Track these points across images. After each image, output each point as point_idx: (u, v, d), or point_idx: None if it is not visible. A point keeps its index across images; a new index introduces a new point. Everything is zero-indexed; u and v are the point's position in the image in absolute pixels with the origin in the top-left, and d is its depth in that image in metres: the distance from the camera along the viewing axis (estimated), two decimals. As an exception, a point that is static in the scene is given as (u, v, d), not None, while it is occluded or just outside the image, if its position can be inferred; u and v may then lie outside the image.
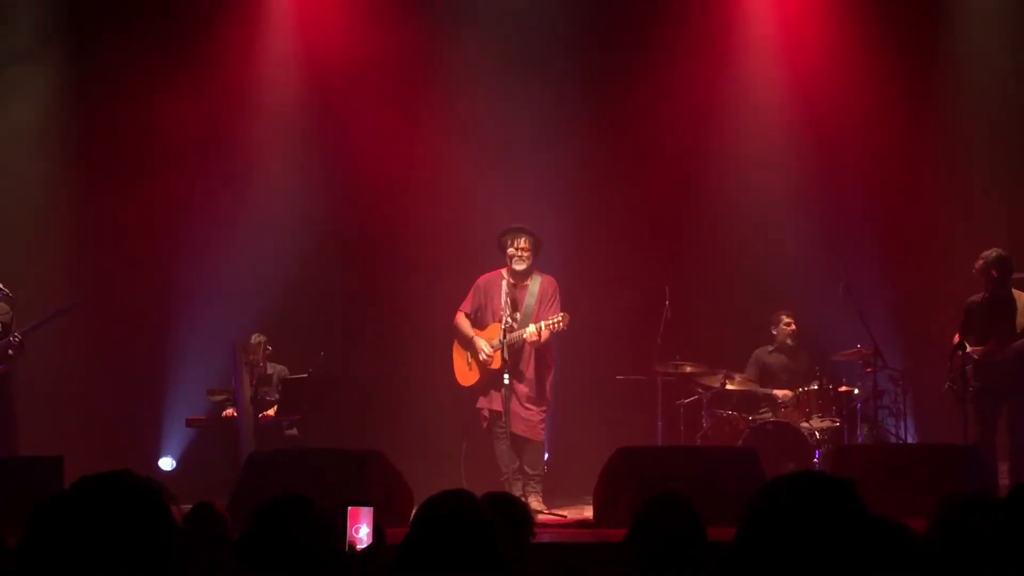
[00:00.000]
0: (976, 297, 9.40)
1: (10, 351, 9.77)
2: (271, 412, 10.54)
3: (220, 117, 11.62)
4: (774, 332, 10.90)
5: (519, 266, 9.73)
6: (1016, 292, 9.36)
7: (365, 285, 11.77)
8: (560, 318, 9.52)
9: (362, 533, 5.29)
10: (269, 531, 3.17)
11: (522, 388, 9.69)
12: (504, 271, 9.86)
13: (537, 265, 9.89)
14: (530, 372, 9.71)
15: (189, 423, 10.76)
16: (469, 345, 9.88)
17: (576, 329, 10.09)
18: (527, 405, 9.68)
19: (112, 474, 2.15)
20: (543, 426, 9.78)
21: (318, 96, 11.83)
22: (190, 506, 4.92)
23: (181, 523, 2.87)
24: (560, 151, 11.43)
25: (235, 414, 10.42)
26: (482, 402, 9.82)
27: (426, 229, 11.57)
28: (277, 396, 10.66)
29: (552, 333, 9.63)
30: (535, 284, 9.82)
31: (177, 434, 11.35)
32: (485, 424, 9.83)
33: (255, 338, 10.65)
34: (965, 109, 11.40)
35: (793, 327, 10.84)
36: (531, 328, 9.51)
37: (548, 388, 9.85)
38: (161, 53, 11.44)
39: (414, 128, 11.64)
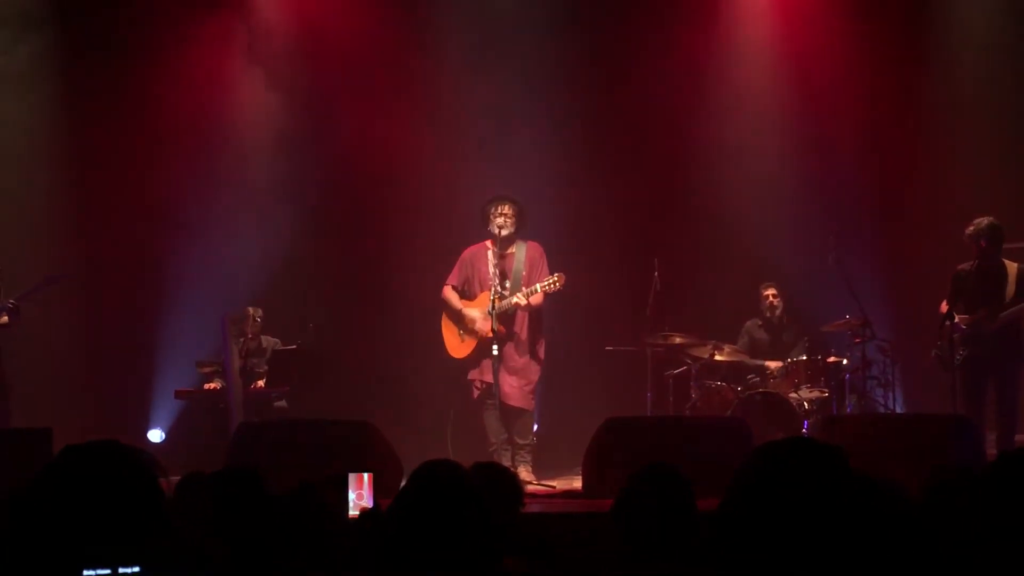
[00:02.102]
0: (965, 265, 9.38)
1: (3, 318, 9.77)
2: (261, 383, 10.56)
3: (211, 94, 11.62)
4: (761, 305, 10.92)
5: (504, 232, 9.67)
6: (1007, 262, 9.35)
7: (354, 258, 11.77)
8: (556, 278, 9.45)
9: (359, 501, 5.30)
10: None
11: (515, 357, 9.65)
12: (489, 242, 9.82)
13: (524, 236, 9.86)
14: (523, 340, 9.67)
15: (178, 395, 10.76)
16: (459, 317, 9.85)
17: (565, 300, 10.09)
18: (519, 374, 9.67)
19: (99, 443, 2.14)
20: (534, 395, 9.78)
21: (307, 73, 11.78)
22: (179, 477, 4.92)
23: (170, 494, 2.87)
24: (548, 124, 11.40)
25: (217, 387, 10.44)
26: (473, 374, 9.79)
27: (415, 203, 11.55)
28: (267, 368, 10.67)
29: (547, 296, 9.62)
30: (521, 251, 9.77)
31: (166, 406, 11.35)
32: (476, 395, 9.81)
33: (250, 310, 10.66)
34: (957, 80, 11.38)
35: (772, 300, 10.84)
36: (519, 296, 9.48)
37: (541, 356, 9.82)
38: (153, 29, 11.44)
39: (403, 105, 11.61)
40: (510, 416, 9.67)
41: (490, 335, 9.41)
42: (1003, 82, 11.27)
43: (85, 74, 11.58)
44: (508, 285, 9.59)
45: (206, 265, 11.34)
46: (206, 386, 10.59)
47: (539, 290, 9.46)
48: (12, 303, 9.83)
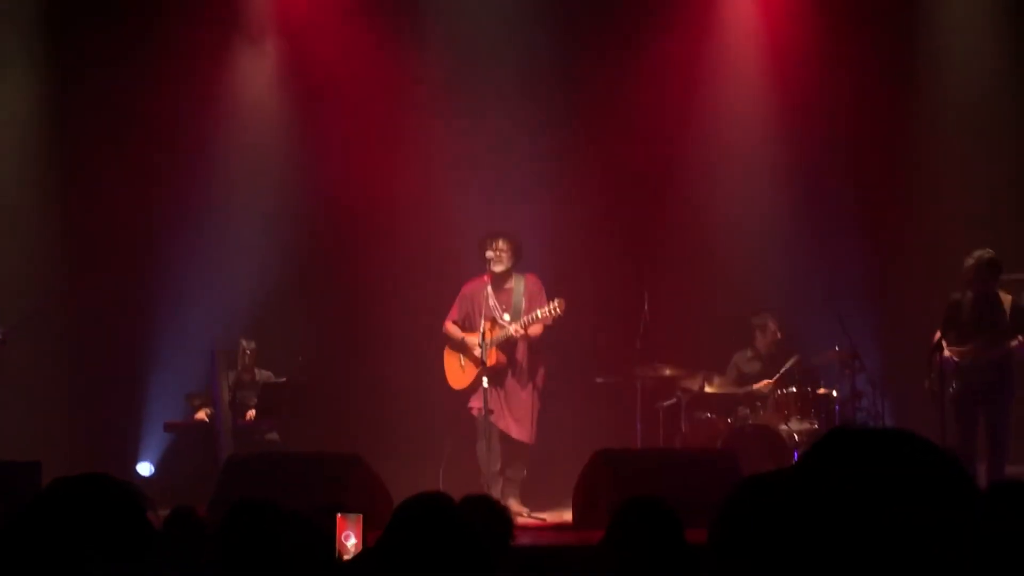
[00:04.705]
0: (959, 295, 9.38)
1: None
2: (251, 415, 10.52)
3: (203, 125, 11.62)
4: (758, 335, 10.84)
5: (498, 267, 9.69)
6: (1001, 293, 9.34)
7: (345, 290, 11.75)
8: (556, 304, 9.47)
9: (350, 543, 5.26)
10: (240, 536, 3.17)
11: (517, 388, 9.65)
12: (487, 277, 9.84)
13: (521, 269, 9.89)
14: (524, 371, 9.68)
15: (168, 428, 10.72)
16: (461, 346, 9.86)
17: (555, 332, 10.10)
18: (523, 407, 9.67)
19: (87, 477, 2.14)
20: (535, 428, 9.77)
21: (301, 104, 11.84)
22: (168, 511, 4.90)
23: (159, 528, 2.86)
24: (537, 154, 11.43)
25: (206, 417, 10.41)
26: (474, 401, 9.79)
27: (406, 235, 11.55)
28: (257, 401, 10.63)
29: (547, 328, 9.64)
30: (519, 284, 9.81)
31: (155, 439, 11.30)
32: (476, 423, 9.80)
33: (243, 343, 10.64)
34: (950, 107, 11.40)
35: (778, 335, 10.77)
36: (514, 326, 9.50)
37: (541, 389, 9.84)
38: (144, 60, 11.41)
39: (396, 137, 11.63)
40: (509, 448, 9.64)
41: (491, 363, 9.41)
42: (1000, 110, 11.30)
43: (74, 100, 11.56)
44: (507, 318, 9.63)
45: (197, 297, 11.31)
46: (195, 416, 10.57)
47: (539, 317, 9.48)
48: (-1, 335, 9.83)
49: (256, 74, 11.82)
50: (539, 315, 9.50)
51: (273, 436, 10.54)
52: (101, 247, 11.49)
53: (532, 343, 9.70)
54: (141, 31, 11.47)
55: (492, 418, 9.48)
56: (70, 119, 11.58)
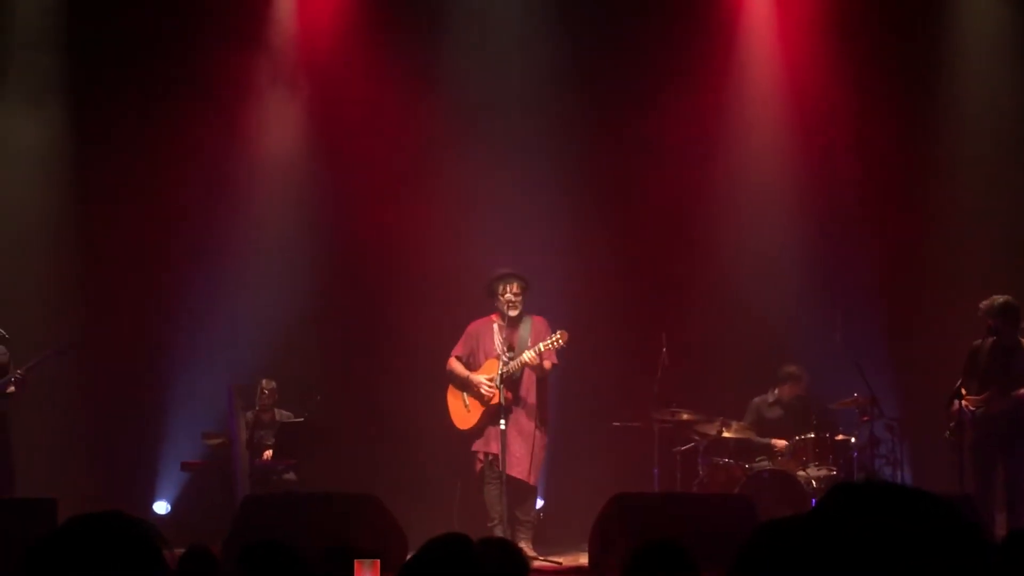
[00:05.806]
0: (981, 341, 9.32)
1: (11, 388, 9.82)
2: (268, 455, 10.51)
3: (227, 164, 11.68)
4: (788, 385, 10.71)
5: (512, 312, 9.70)
6: (1023, 340, 9.26)
7: (363, 331, 11.77)
8: (559, 335, 9.46)
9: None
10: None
11: (523, 421, 9.64)
12: (495, 316, 9.85)
13: (530, 309, 9.89)
14: (531, 406, 9.67)
15: (184, 467, 10.72)
16: (466, 384, 9.83)
17: (572, 375, 10.08)
18: (527, 444, 9.64)
19: (101, 514, 2.14)
20: (540, 471, 9.75)
21: (324, 146, 11.89)
22: (184, 549, 4.89)
23: (174, 566, 2.86)
24: (555, 197, 11.45)
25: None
26: (478, 445, 9.76)
27: (426, 276, 11.56)
28: (274, 440, 10.63)
29: (552, 366, 9.62)
30: (527, 325, 9.81)
31: (172, 478, 11.31)
32: (479, 467, 9.76)
33: (263, 383, 10.65)
34: (970, 149, 11.40)
35: (805, 390, 10.67)
36: (529, 353, 9.48)
37: (547, 429, 9.81)
38: (171, 97, 11.50)
39: (416, 179, 11.68)
40: (514, 489, 9.60)
41: (496, 402, 9.40)
42: (1017, 151, 11.27)
43: (95, 140, 11.63)
44: (512, 356, 9.63)
45: (215, 336, 11.35)
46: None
47: (542, 350, 9.46)
48: (20, 374, 9.88)
49: (282, 116, 11.88)
50: (541, 348, 9.49)
51: (290, 476, 10.53)
52: (120, 285, 11.54)
53: (540, 378, 9.69)
54: (170, 68, 11.56)
55: (498, 460, 9.47)
56: (92, 155, 11.64)
